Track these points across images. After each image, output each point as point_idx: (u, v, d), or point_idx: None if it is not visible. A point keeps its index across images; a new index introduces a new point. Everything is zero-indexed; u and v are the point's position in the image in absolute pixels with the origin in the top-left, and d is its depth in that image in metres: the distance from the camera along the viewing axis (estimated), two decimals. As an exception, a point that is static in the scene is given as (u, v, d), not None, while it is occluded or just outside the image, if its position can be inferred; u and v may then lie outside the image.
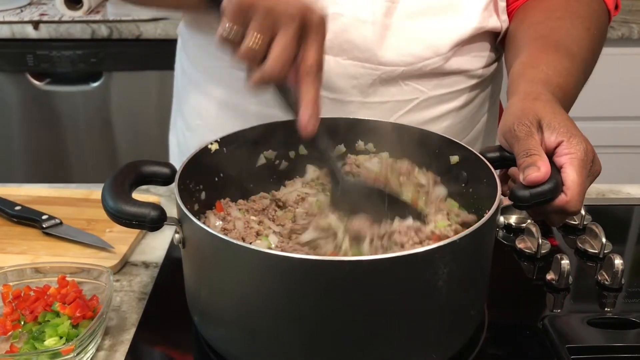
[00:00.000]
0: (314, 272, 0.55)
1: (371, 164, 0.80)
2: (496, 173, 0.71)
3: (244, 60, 0.64)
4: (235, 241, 0.56)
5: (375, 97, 0.92)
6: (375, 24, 0.89)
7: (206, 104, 1.02)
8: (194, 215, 0.61)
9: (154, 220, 0.61)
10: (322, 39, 0.66)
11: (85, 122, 2.11)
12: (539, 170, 0.68)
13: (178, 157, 1.12)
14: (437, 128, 0.96)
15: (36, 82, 2.04)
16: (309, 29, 0.64)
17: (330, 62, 0.89)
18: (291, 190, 0.80)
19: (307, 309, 0.57)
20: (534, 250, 0.86)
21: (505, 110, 0.77)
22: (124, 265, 0.85)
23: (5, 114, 2.09)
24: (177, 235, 0.64)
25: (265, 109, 0.92)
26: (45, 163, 2.16)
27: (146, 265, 0.85)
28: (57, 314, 0.70)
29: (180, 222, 0.63)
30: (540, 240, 0.85)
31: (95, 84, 2.06)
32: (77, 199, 0.97)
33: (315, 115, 0.67)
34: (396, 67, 0.90)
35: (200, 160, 0.73)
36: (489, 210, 0.64)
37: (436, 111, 0.96)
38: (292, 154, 0.84)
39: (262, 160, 0.82)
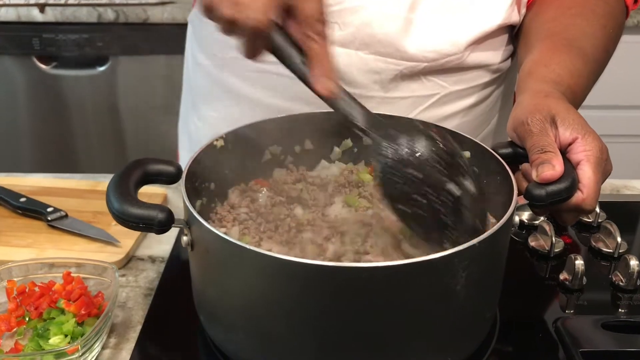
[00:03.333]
0: (328, 279, 0.53)
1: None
2: (511, 170, 0.69)
3: (222, 18, 0.59)
4: (246, 245, 0.54)
5: (397, 92, 0.90)
6: (399, 18, 0.86)
7: (219, 94, 1.00)
8: (202, 214, 0.59)
9: (161, 223, 0.60)
10: None
11: (91, 107, 2.09)
12: (554, 168, 0.66)
13: (188, 147, 1.11)
14: (455, 124, 0.94)
15: (42, 66, 2.02)
16: None
17: (352, 56, 0.88)
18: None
19: (320, 314, 0.56)
20: (547, 249, 0.84)
21: (516, 105, 0.76)
22: (129, 259, 0.83)
23: (12, 98, 2.08)
24: (185, 238, 0.62)
25: (281, 102, 0.91)
26: (51, 148, 2.15)
27: (152, 259, 0.84)
28: (62, 311, 0.69)
29: (188, 224, 0.62)
30: (554, 239, 0.83)
31: (102, 68, 2.04)
32: (83, 190, 0.96)
33: (327, 72, 0.62)
34: (419, 63, 0.88)
35: (207, 157, 0.71)
36: (505, 210, 0.62)
37: (455, 107, 0.94)
38: (297, 148, 0.82)
39: (267, 156, 0.80)
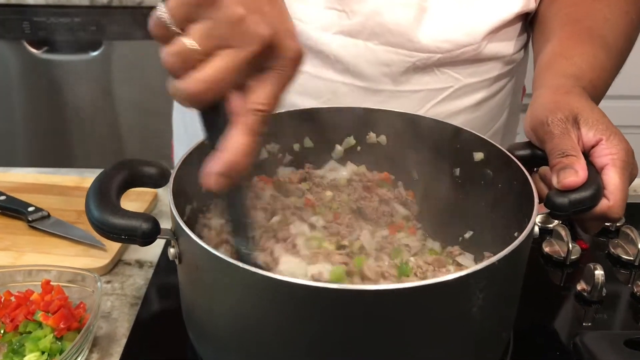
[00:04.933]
0: (330, 301, 0.48)
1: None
2: (530, 176, 0.63)
3: (166, 61, 0.47)
4: (239, 264, 0.48)
5: (408, 85, 0.84)
6: (412, 5, 0.80)
7: None
8: (193, 219, 0.54)
9: (145, 235, 0.54)
10: (287, 79, 0.50)
11: (85, 93, 2.02)
12: (577, 174, 0.61)
13: (185, 139, 1.05)
14: (464, 120, 0.88)
15: (33, 50, 1.95)
16: (276, 60, 0.48)
17: (360, 47, 0.82)
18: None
19: (319, 339, 0.50)
20: (562, 255, 0.79)
21: (533, 101, 0.70)
22: (115, 264, 0.78)
23: (3, 83, 2.01)
24: (172, 250, 0.57)
25: (287, 96, 0.85)
26: (43, 136, 2.08)
27: (140, 264, 0.78)
28: (40, 325, 0.64)
29: (175, 235, 0.56)
30: (570, 245, 0.78)
31: (95, 53, 1.97)
32: (67, 187, 0.90)
33: (225, 172, 0.49)
34: (432, 54, 0.82)
35: (197, 158, 0.65)
36: (522, 219, 0.57)
37: (467, 101, 0.88)
38: (296, 146, 0.76)
39: (264, 155, 0.74)
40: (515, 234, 0.55)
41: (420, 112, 0.86)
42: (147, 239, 0.55)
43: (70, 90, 2.02)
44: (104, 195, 0.57)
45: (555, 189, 0.61)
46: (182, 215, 0.63)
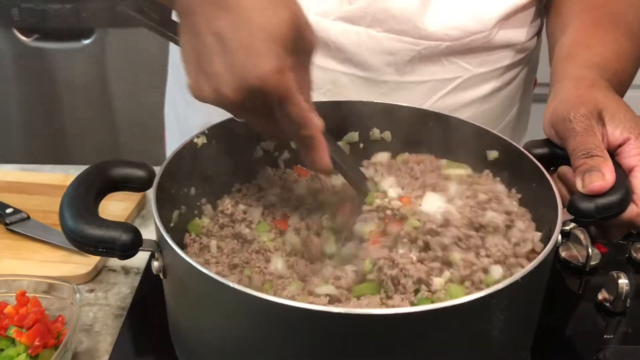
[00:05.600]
0: (334, 328, 0.42)
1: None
2: (552, 178, 0.57)
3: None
4: (227, 282, 0.43)
5: (413, 76, 0.79)
6: None
7: None
8: (180, 226, 0.48)
9: (125, 247, 0.49)
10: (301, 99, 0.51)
11: (79, 83, 1.95)
12: (604, 177, 0.55)
13: (177, 135, 0.99)
14: (473, 113, 0.83)
15: (23, 38, 1.88)
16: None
17: (362, 34, 0.76)
18: None
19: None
20: (581, 261, 0.73)
21: (553, 96, 0.64)
22: (99, 271, 0.72)
23: (-6, 71, 1.95)
24: (155, 263, 0.51)
25: None
26: (36, 127, 2.02)
27: (126, 271, 0.73)
28: (13, 342, 0.58)
29: (159, 246, 0.50)
30: (590, 250, 0.72)
31: (88, 42, 1.90)
32: (50, 186, 0.84)
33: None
34: (440, 42, 0.76)
35: (185, 158, 0.60)
36: (543, 226, 0.52)
37: (476, 92, 0.83)
38: (293, 143, 0.70)
39: (259, 153, 0.69)
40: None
41: (427, 105, 0.80)
42: (127, 252, 0.49)
43: (63, 81, 1.95)
44: (79, 202, 0.51)
45: (578, 193, 0.56)
46: (168, 223, 0.57)
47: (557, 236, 0.49)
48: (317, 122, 0.54)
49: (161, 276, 0.52)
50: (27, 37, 1.89)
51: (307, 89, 0.55)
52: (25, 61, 1.91)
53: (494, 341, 0.46)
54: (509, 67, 0.85)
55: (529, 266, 0.45)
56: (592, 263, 0.73)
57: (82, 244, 0.49)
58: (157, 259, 0.51)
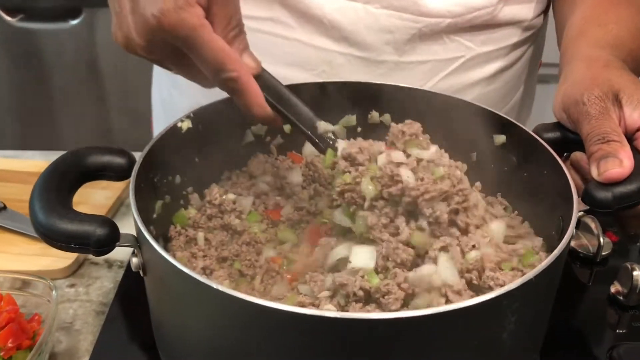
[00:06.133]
0: (331, 333, 0.38)
1: None
2: (564, 165, 0.53)
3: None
4: (209, 282, 0.39)
5: (413, 55, 0.75)
6: None
7: None
8: (165, 218, 0.44)
9: (100, 242, 0.44)
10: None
11: (67, 65, 1.89)
12: (621, 164, 0.51)
13: (163, 119, 0.95)
14: (476, 95, 0.78)
15: (8, 18, 1.82)
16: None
17: (359, 11, 0.71)
18: None
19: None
20: (592, 251, 0.69)
21: (564, 77, 0.60)
22: (81, 264, 0.68)
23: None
24: (134, 260, 0.47)
25: (273, 68, 0.75)
26: (25, 113, 1.96)
27: (109, 264, 0.69)
28: (-16, 343, 0.54)
29: (138, 242, 0.46)
30: (601, 239, 0.68)
31: (75, 22, 1.84)
32: (29, 174, 0.80)
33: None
34: (441, 19, 0.72)
35: (168, 144, 0.55)
36: (555, 216, 0.47)
37: (480, 73, 0.79)
38: (287, 127, 0.66)
39: (249, 138, 0.64)
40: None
41: (428, 86, 0.76)
42: (102, 248, 0.45)
43: (51, 62, 1.89)
44: (51, 193, 0.47)
45: (594, 181, 0.51)
46: (150, 214, 0.53)
47: (572, 230, 0.45)
48: (240, 62, 0.49)
49: (141, 273, 0.48)
50: (12, 17, 1.83)
51: (227, 26, 0.50)
52: (10, 42, 1.85)
53: (503, 345, 0.42)
54: (514, 46, 0.80)
55: (543, 264, 0.41)
56: (603, 253, 0.69)
57: (53, 239, 0.45)
58: (136, 255, 0.47)
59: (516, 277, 0.49)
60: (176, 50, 0.47)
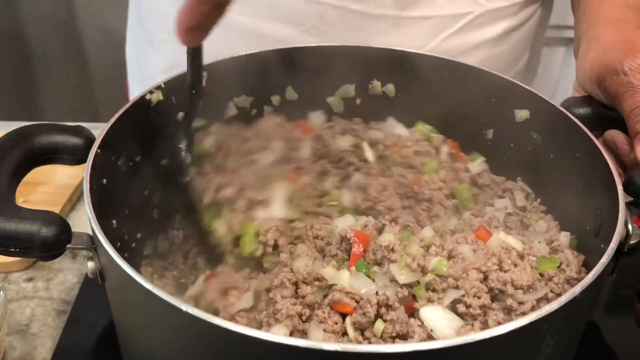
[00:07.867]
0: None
1: None
2: (605, 150, 0.45)
3: None
4: (172, 301, 0.31)
5: (416, 10, 0.67)
6: None
7: (172, 9, 0.73)
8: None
9: (46, 245, 0.36)
10: None
11: (48, 28, 1.79)
12: None
13: (138, 77, 0.86)
14: (482, 57, 0.70)
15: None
16: None
17: None
18: None
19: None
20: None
21: (589, 42, 0.53)
22: (40, 255, 0.60)
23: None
24: (90, 264, 0.39)
25: (261, 23, 0.66)
26: (5, 76, 1.85)
27: (74, 254, 0.61)
28: None
29: (94, 243, 0.38)
30: (630, 227, 0.60)
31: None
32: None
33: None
34: None
35: (133, 120, 0.46)
36: (594, 211, 0.40)
37: (488, 32, 0.72)
38: (275, 99, 0.58)
39: (232, 110, 0.56)
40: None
41: (431, 46, 0.68)
42: (48, 252, 0.37)
43: (31, 25, 1.78)
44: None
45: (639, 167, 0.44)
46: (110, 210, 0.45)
47: (621, 229, 0.38)
48: None
49: (99, 280, 0.40)
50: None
51: None
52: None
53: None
54: (525, 3, 0.73)
55: (588, 277, 0.34)
56: (631, 242, 0.61)
57: (-11, 242, 0.36)
58: (91, 259, 0.39)
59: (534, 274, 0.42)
60: None
